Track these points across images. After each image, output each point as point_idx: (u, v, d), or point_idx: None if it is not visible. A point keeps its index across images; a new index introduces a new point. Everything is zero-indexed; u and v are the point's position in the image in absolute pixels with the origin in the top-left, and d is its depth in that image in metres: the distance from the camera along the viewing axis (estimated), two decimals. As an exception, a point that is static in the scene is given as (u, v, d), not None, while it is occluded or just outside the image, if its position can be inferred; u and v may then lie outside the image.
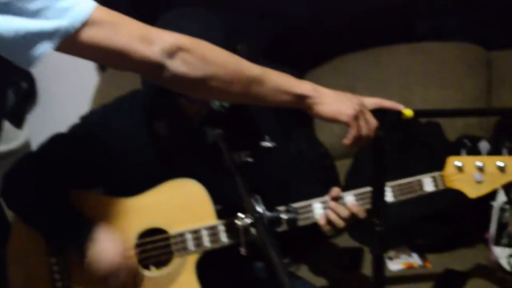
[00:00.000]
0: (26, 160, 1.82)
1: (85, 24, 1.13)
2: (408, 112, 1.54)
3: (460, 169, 1.77)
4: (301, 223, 1.78)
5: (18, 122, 3.13)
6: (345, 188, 1.82)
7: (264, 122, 1.86)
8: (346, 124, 1.44)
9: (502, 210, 2.14)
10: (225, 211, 1.76)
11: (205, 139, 1.64)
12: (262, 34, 2.95)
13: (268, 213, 1.30)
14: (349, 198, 1.79)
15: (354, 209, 1.76)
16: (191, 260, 1.77)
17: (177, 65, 1.24)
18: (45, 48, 1.11)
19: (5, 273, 1.78)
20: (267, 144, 1.51)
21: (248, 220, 1.29)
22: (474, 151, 2.33)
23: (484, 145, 2.38)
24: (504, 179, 1.75)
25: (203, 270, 1.78)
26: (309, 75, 2.87)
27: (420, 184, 1.81)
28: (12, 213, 1.81)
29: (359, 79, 2.83)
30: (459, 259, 2.30)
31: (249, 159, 1.70)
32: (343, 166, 2.66)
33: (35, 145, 2.08)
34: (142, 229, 1.77)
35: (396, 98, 1.63)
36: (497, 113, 2.67)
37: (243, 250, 1.46)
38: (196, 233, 1.76)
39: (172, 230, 1.77)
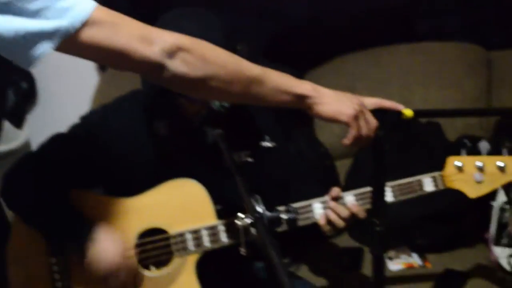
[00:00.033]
0: (26, 160, 1.82)
1: (85, 24, 1.13)
2: (408, 112, 1.54)
3: (460, 169, 1.77)
4: (301, 223, 1.78)
5: (18, 122, 3.13)
6: (345, 188, 1.82)
7: (264, 122, 1.86)
8: (346, 124, 1.44)
9: (502, 210, 2.14)
10: (225, 211, 1.76)
11: (205, 139, 1.64)
12: (262, 34, 2.95)
13: (268, 213, 1.30)
14: (349, 198, 1.79)
15: (354, 209, 1.76)
16: (191, 260, 1.77)
17: (177, 65, 1.24)
18: (45, 48, 1.11)
19: (5, 273, 1.78)
20: (267, 144, 1.51)
21: (248, 220, 1.29)
22: (474, 151, 2.33)
23: (484, 145, 2.38)
24: (504, 179, 1.75)
25: (203, 270, 1.78)
26: (309, 75, 2.87)
27: (420, 184, 1.81)
28: (12, 213, 1.81)
29: (359, 79, 2.83)
30: (459, 259, 2.30)
31: (249, 159, 1.69)
32: (343, 166, 2.66)
33: (35, 145, 2.08)
34: (142, 229, 1.77)
35: (396, 98, 1.63)
36: (497, 113, 2.67)
37: (243, 250, 1.46)
38: (196, 233, 1.76)
39: (172, 230, 1.77)
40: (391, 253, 2.34)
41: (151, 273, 1.79)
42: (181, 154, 1.80)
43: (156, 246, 1.78)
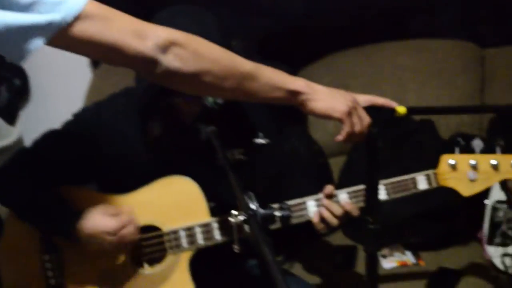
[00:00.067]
0: (19, 156, 1.81)
1: (77, 18, 1.13)
2: (401, 109, 1.54)
3: (453, 167, 1.77)
4: (294, 220, 1.78)
5: (10, 118, 3.12)
6: (339, 186, 1.82)
7: (258, 119, 1.85)
8: (339, 121, 1.44)
9: (494, 209, 2.14)
10: (218, 208, 1.76)
11: (198, 136, 1.63)
12: (256, 32, 2.95)
13: (261, 211, 1.29)
14: (343, 196, 1.79)
15: (348, 207, 1.76)
16: (185, 257, 1.77)
17: (170, 60, 1.24)
18: (37, 42, 1.11)
19: (-2, 269, 1.78)
20: (260, 141, 1.50)
21: (242, 217, 1.28)
22: (468, 149, 2.32)
23: (477, 143, 2.38)
24: (498, 177, 1.75)
25: (196, 267, 1.77)
26: (303, 73, 2.86)
27: (413, 182, 1.81)
28: (6, 209, 1.80)
29: (352, 77, 2.83)
30: (453, 257, 2.31)
31: (243, 157, 1.69)
32: (336, 164, 2.66)
33: (28, 142, 2.08)
34: (136, 226, 1.77)
35: (389, 95, 1.63)
36: (490, 110, 2.67)
37: (236, 248, 1.45)
38: (189, 230, 1.76)
39: (166, 227, 1.77)
40: (385, 251, 2.35)
41: (144, 270, 1.78)
42: (175, 151, 1.80)
43: (149, 243, 1.77)
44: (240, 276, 1.92)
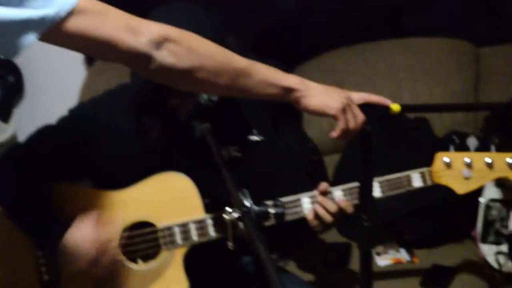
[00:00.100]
0: (13, 151, 1.81)
1: (71, 13, 1.12)
2: (395, 107, 1.55)
3: (448, 165, 1.77)
4: (289, 217, 1.78)
5: (4, 116, 3.11)
6: (333, 184, 1.82)
7: (252, 117, 1.85)
8: (334, 117, 1.43)
9: (488, 207, 2.14)
10: (213, 205, 1.76)
11: (193, 133, 1.63)
12: (250, 29, 2.94)
13: (255, 207, 1.29)
14: (337, 193, 1.79)
15: (342, 204, 1.76)
16: (179, 254, 1.77)
17: (164, 56, 1.24)
18: (29, 37, 1.10)
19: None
20: (254, 138, 1.50)
21: (236, 214, 1.28)
22: (462, 147, 2.33)
23: (472, 141, 2.38)
24: (492, 175, 1.76)
25: (190, 263, 1.77)
26: (297, 71, 2.86)
27: (408, 179, 1.81)
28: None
29: (347, 75, 2.83)
30: (447, 255, 2.31)
31: (238, 154, 1.69)
32: (331, 162, 2.66)
33: (22, 139, 2.07)
34: (130, 222, 1.76)
35: (384, 94, 1.62)
36: (484, 108, 2.67)
37: (230, 244, 1.45)
38: (184, 226, 1.76)
39: (160, 223, 1.77)
40: (379, 248, 2.35)
41: (138, 267, 1.78)
42: (170, 148, 1.80)
43: (143, 240, 1.77)
44: (234, 273, 1.92)
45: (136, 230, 1.77)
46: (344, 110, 1.43)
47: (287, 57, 2.79)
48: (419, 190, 1.82)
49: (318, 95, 1.42)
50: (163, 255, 1.77)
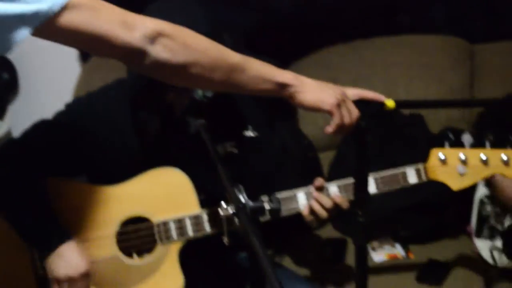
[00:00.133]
0: (8, 147, 1.80)
1: (64, 8, 1.12)
2: (390, 103, 1.55)
3: (443, 161, 1.77)
4: (284, 213, 1.78)
5: (-1, 113, 3.11)
6: (329, 180, 1.82)
7: (247, 113, 1.85)
8: (328, 113, 1.43)
9: (482, 202, 2.15)
10: (209, 201, 1.76)
11: (188, 129, 1.63)
12: (245, 26, 2.94)
13: (251, 203, 1.29)
14: (333, 188, 1.79)
15: (338, 200, 1.76)
16: (174, 249, 1.77)
17: (158, 51, 1.23)
18: (23, 32, 1.10)
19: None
20: (249, 133, 1.50)
21: (231, 210, 1.28)
22: (458, 144, 2.34)
23: (467, 138, 2.39)
24: (487, 171, 1.76)
25: (186, 259, 1.77)
26: (292, 68, 2.86)
27: (403, 175, 1.81)
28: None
29: (342, 72, 2.83)
30: (442, 250, 2.32)
31: (234, 150, 1.69)
32: (326, 158, 2.66)
33: (16, 136, 2.06)
34: (125, 217, 1.77)
35: (379, 90, 1.62)
36: (478, 104, 2.68)
37: (226, 240, 1.45)
38: (179, 222, 1.76)
39: (155, 218, 1.77)
40: (375, 244, 2.35)
41: (133, 262, 1.78)
42: (165, 143, 1.80)
43: (139, 235, 1.77)
44: (230, 268, 1.93)
45: (132, 225, 1.77)
46: (339, 106, 1.43)
47: (282, 54, 2.78)
48: (414, 186, 1.82)
49: (313, 91, 1.42)
50: (159, 250, 1.77)
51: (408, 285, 2.19)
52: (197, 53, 1.28)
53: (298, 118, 2.80)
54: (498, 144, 1.78)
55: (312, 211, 1.77)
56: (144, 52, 1.22)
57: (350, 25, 2.95)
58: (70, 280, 1.69)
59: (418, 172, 1.80)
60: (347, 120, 1.44)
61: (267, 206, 1.72)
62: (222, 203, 1.31)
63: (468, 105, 2.82)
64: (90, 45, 1.22)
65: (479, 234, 2.16)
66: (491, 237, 2.14)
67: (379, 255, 2.31)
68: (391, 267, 2.27)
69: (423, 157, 1.80)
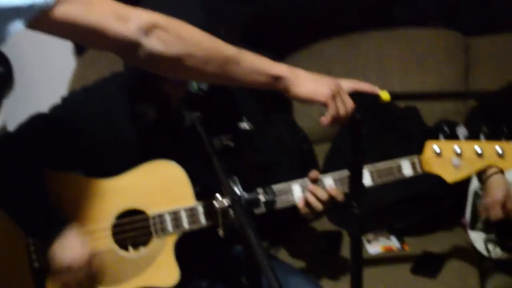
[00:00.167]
0: (3, 140, 1.80)
1: (59, 0, 1.12)
2: (385, 95, 1.54)
3: (438, 153, 1.78)
4: (280, 205, 1.78)
5: (-6, 107, 3.09)
6: (324, 172, 1.82)
7: (243, 105, 1.85)
8: (324, 104, 1.43)
9: (476, 195, 2.16)
10: (204, 193, 1.76)
11: (183, 122, 1.63)
12: (242, 19, 2.94)
13: (246, 195, 1.29)
14: (328, 181, 1.79)
15: (333, 192, 1.76)
16: (170, 241, 1.77)
17: (153, 43, 1.23)
18: (17, 25, 1.10)
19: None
20: (244, 126, 1.50)
21: (226, 202, 1.28)
22: (452, 136, 2.34)
23: (462, 130, 2.38)
24: (481, 163, 1.76)
25: (181, 251, 1.77)
26: (288, 61, 2.86)
27: (398, 168, 1.82)
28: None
29: (337, 65, 2.84)
30: (437, 242, 2.33)
31: (230, 143, 1.69)
32: (321, 151, 2.67)
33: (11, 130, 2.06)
34: (121, 210, 1.77)
35: (374, 84, 1.61)
36: (472, 96, 2.68)
37: (221, 232, 1.45)
38: (175, 214, 1.76)
39: (151, 211, 1.77)
40: (370, 236, 2.36)
41: (129, 254, 1.78)
42: (161, 136, 1.80)
43: (134, 227, 1.78)
44: (225, 261, 1.93)
45: (127, 217, 1.77)
46: (334, 97, 1.43)
47: (277, 47, 2.79)
48: (409, 178, 1.82)
49: (307, 83, 1.42)
50: (154, 242, 1.77)
51: (403, 277, 2.20)
52: (191, 45, 1.28)
53: (293, 111, 2.80)
54: (493, 136, 1.78)
55: (307, 204, 1.77)
56: (138, 44, 1.22)
57: (345, 18, 2.96)
58: (74, 268, 1.68)
59: (413, 164, 1.81)
60: (342, 111, 1.44)
61: (262, 198, 1.71)
62: (217, 195, 1.31)
63: (463, 97, 2.82)
64: (84, 38, 1.22)
65: (473, 226, 2.17)
66: (485, 229, 2.15)
67: (374, 247, 2.32)
68: (386, 259, 2.27)
69: (418, 150, 1.81)
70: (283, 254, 2.31)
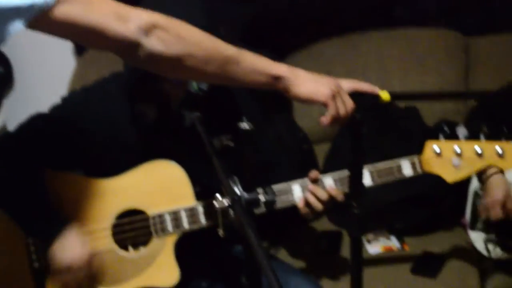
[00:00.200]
0: (3, 140, 1.80)
1: (59, 0, 1.12)
2: (385, 95, 1.54)
3: (438, 153, 1.78)
4: (280, 205, 1.78)
5: (-6, 107, 3.09)
6: (324, 173, 1.82)
7: (243, 105, 1.85)
8: (324, 104, 1.43)
9: (476, 195, 2.16)
10: (204, 193, 1.76)
11: (183, 122, 1.63)
12: (242, 19, 2.94)
13: (246, 195, 1.29)
14: (328, 181, 1.79)
15: (333, 192, 1.76)
16: (170, 241, 1.77)
17: (153, 43, 1.23)
18: (17, 25, 1.10)
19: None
20: (244, 126, 1.50)
21: (226, 202, 1.28)
22: (452, 136, 2.34)
23: (462, 130, 2.38)
24: (481, 163, 1.76)
25: (181, 251, 1.77)
26: (288, 61, 2.86)
27: (398, 168, 1.82)
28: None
29: (337, 65, 2.84)
30: (437, 242, 2.33)
31: (230, 143, 1.69)
32: (321, 151, 2.67)
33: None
34: (121, 210, 1.77)
35: (374, 84, 1.62)
36: (472, 96, 2.68)
37: (221, 232, 1.45)
38: (175, 214, 1.76)
39: (151, 211, 1.77)
40: (370, 236, 2.36)
41: (129, 254, 1.78)
42: (161, 136, 1.80)
43: (134, 227, 1.78)
44: (225, 261, 1.93)
45: (127, 217, 1.77)
46: (334, 97, 1.43)
47: (277, 47, 2.79)
48: (409, 178, 1.82)
49: (307, 83, 1.42)
50: (154, 242, 1.77)
51: (403, 277, 2.20)
52: (191, 45, 1.28)
53: (293, 111, 2.80)
54: (493, 136, 1.78)
55: (307, 204, 1.77)
56: (138, 44, 1.22)
57: (345, 18, 2.96)
58: (74, 268, 1.68)
59: (413, 164, 1.81)
60: (342, 111, 1.44)
61: (262, 198, 1.71)
62: (217, 195, 1.31)
63: (463, 97, 2.83)
64: (84, 38, 1.22)
65: (473, 226, 2.17)
66: (485, 229, 2.15)
67: (374, 247, 2.32)
68: (386, 259, 2.27)
69: (418, 150, 1.81)
70: (283, 254, 2.31)
